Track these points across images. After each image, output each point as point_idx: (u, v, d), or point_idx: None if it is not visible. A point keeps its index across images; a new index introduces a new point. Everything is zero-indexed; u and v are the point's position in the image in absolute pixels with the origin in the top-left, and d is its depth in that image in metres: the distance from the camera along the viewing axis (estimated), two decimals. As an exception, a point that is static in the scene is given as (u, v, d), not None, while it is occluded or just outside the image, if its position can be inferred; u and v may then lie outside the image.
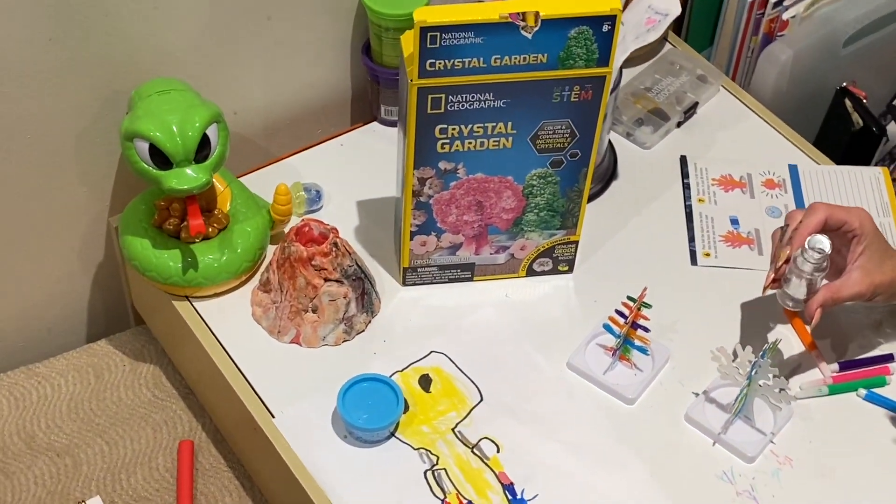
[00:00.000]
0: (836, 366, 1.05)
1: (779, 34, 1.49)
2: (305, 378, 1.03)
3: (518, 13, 0.89)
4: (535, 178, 1.05)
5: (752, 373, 0.97)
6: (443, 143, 1.00)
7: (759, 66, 1.50)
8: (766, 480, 0.97)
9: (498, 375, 1.02)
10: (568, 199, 1.07)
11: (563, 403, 1.00)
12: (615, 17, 0.91)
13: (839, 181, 1.23)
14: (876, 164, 1.53)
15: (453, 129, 0.98)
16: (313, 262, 1.04)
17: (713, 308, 1.12)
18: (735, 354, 0.99)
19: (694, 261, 1.16)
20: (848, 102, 1.51)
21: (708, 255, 1.16)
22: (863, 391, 1.05)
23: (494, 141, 1.01)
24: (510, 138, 1.01)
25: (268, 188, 1.15)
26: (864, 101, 1.54)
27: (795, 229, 0.98)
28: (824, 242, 0.95)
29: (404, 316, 1.08)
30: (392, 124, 1.26)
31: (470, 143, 1.01)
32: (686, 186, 1.23)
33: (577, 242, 1.13)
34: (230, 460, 1.11)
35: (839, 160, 1.35)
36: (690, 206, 1.21)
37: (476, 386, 1.03)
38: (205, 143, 1.01)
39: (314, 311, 1.07)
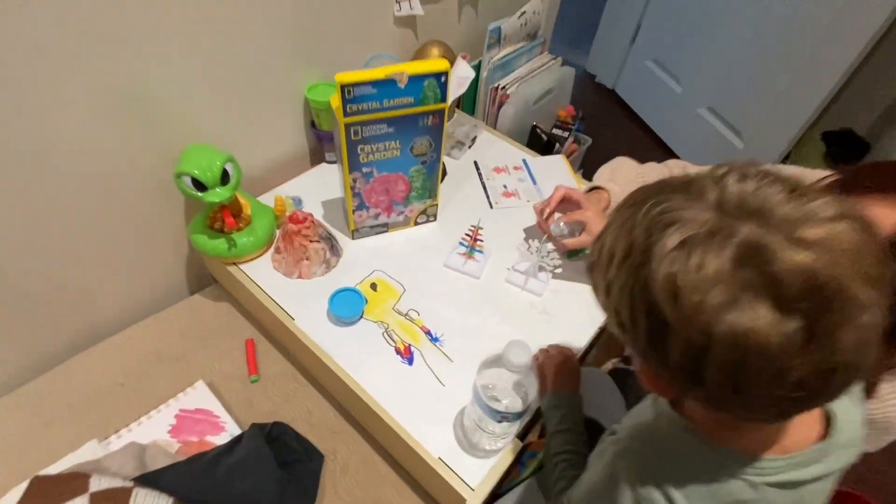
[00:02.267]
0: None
1: (505, 100, 1.45)
2: (309, 295, 0.92)
3: (396, 73, 0.81)
4: (414, 172, 0.96)
5: (539, 252, 0.93)
6: (362, 157, 0.90)
7: (500, 116, 1.45)
8: (550, 301, 0.93)
9: (411, 277, 0.94)
10: (431, 182, 0.99)
11: (446, 285, 0.94)
12: (447, 72, 0.83)
13: (546, 163, 1.20)
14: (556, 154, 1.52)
15: (366, 147, 0.88)
16: (301, 233, 0.93)
17: (506, 230, 1.05)
18: (528, 244, 0.95)
19: (491, 206, 1.09)
20: (538, 131, 1.51)
21: (497, 203, 1.10)
22: (578, 256, 0.98)
23: (390, 152, 0.91)
24: (398, 150, 0.91)
25: (270, 201, 1.03)
26: (540, 130, 1.54)
27: (548, 200, 0.93)
28: (564, 230, 0.92)
29: (356, 255, 0.98)
30: (334, 163, 1.15)
31: (376, 154, 0.91)
32: (480, 174, 1.17)
33: (437, 205, 1.04)
34: (278, 346, 0.99)
35: (541, 154, 1.32)
36: (484, 182, 1.15)
37: (400, 284, 0.95)
38: (225, 175, 0.87)
39: (307, 259, 0.95)
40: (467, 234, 1.00)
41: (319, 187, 1.10)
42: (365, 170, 0.93)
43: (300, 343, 0.89)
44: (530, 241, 0.96)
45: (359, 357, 0.85)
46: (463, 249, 1.01)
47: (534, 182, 1.15)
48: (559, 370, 0.78)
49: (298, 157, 1.16)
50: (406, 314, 0.91)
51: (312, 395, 0.93)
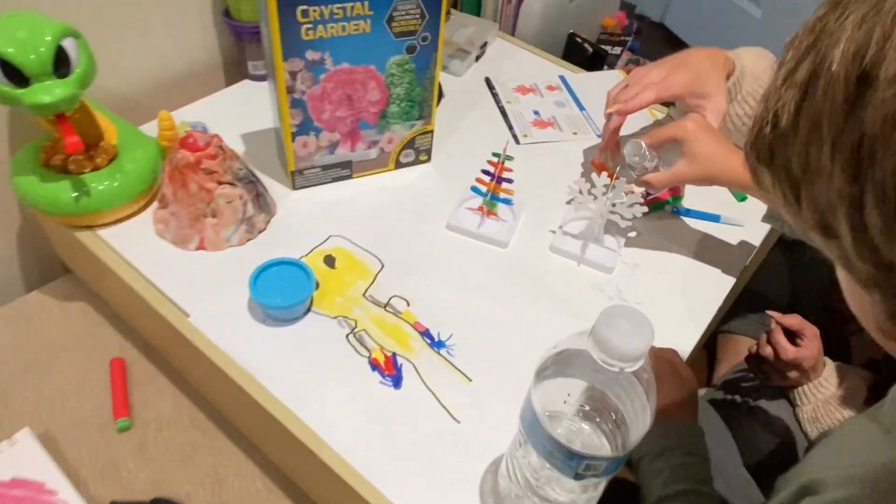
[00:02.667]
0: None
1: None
2: (216, 278, 0.65)
3: None
4: (394, 66, 0.67)
5: (606, 201, 0.69)
6: (307, 29, 0.60)
7: (521, 17, 1.22)
8: (626, 283, 0.71)
9: (392, 245, 0.70)
10: (423, 89, 0.71)
11: (450, 257, 0.70)
12: None
13: (594, 81, 1.01)
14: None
15: (314, 10, 0.59)
16: (202, 167, 0.62)
17: (541, 170, 0.84)
18: (585, 189, 0.70)
19: (517, 141, 0.86)
20: (577, 39, 1.30)
21: (526, 136, 0.87)
22: (671, 206, 0.79)
23: (354, 24, 0.62)
24: (368, 21, 0.62)
25: (155, 132, 0.73)
26: (581, 38, 1.32)
27: (629, 101, 0.71)
28: (646, 155, 0.69)
29: (300, 212, 0.73)
30: (260, 78, 0.89)
31: (332, 27, 0.61)
32: (495, 96, 0.94)
33: (432, 132, 0.77)
34: (164, 368, 0.70)
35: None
36: (503, 106, 0.91)
37: (375, 256, 0.68)
38: (63, 59, 0.56)
39: (213, 216, 0.64)
40: (486, 173, 0.74)
41: (240, 114, 0.84)
42: (311, 55, 0.64)
43: (201, 358, 0.60)
44: (589, 184, 0.72)
45: (306, 377, 0.58)
46: (478, 201, 0.75)
47: (580, 107, 0.95)
48: (673, 383, 0.57)
49: (206, 69, 0.90)
50: (387, 304, 0.64)
51: (224, 451, 0.64)
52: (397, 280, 0.67)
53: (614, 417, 0.45)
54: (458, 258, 0.71)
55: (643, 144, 0.69)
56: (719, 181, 0.66)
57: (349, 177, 0.76)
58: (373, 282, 0.66)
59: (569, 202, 0.77)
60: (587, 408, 0.45)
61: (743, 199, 0.83)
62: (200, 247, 0.66)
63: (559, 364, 0.45)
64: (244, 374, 0.57)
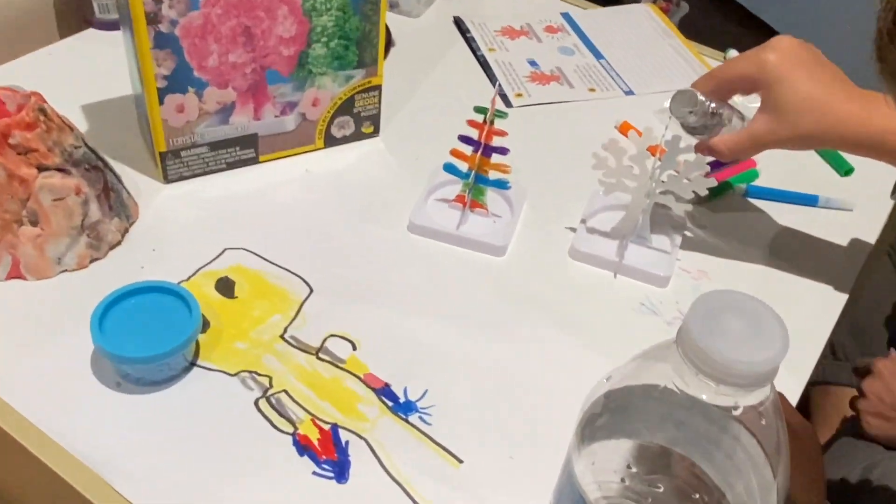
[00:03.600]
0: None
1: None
2: (40, 322, 0.57)
3: None
4: None
5: (653, 176, 0.66)
6: None
7: None
8: (692, 300, 0.65)
9: (325, 257, 0.66)
10: (364, 19, 0.66)
11: (417, 273, 0.66)
12: None
13: (614, 20, 1.02)
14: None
15: None
16: (12, 142, 0.52)
17: (547, 142, 0.83)
18: (617, 156, 0.65)
19: (508, 102, 0.84)
20: None
21: (521, 95, 0.85)
22: (742, 186, 0.77)
23: None
24: None
25: None
26: None
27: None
28: (708, 104, 0.66)
29: (177, 216, 0.68)
30: (110, 26, 0.86)
31: None
32: (471, 41, 0.93)
33: (379, 90, 0.72)
34: None
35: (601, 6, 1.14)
36: (483, 56, 0.91)
37: (299, 277, 0.63)
38: None
39: (33, 223, 0.55)
40: (465, 141, 0.69)
41: (81, 75, 0.82)
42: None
43: (10, 449, 0.51)
44: (624, 155, 0.67)
45: (190, 474, 0.48)
46: (456, 187, 0.70)
47: (596, 54, 0.96)
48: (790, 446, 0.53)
49: (30, 14, 0.85)
50: (320, 348, 0.58)
51: None
52: (335, 311, 0.61)
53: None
54: (430, 275, 0.65)
55: (698, 94, 0.64)
56: (824, 141, 0.62)
57: (254, 160, 0.71)
58: (296, 315, 0.59)
59: (600, 185, 0.70)
60: (662, 488, 0.40)
61: (849, 171, 0.80)
62: (14, 274, 0.56)
63: (614, 413, 0.41)
64: (84, 472, 0.48)
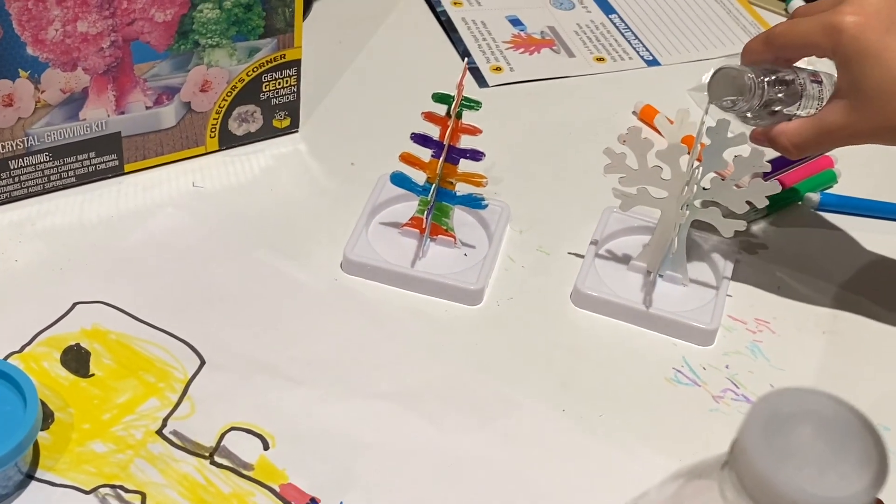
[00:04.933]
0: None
1: None
2: None
3: None
4: None
5: (695, 171, 0.70)
6: None
7: None
8: (748, 364, 0.71)
9: (222, 313, 0.70)
10: None
11: (357, 331, 0.70)
12: None
13: None
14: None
15: None
16: None
17: (535, 139, 0.88)
18: (649, 144, 0.69)
19: (483, 81, 0.89)
20: None
21: (499, 69, 0.91)
22: (814, 197, 0.80)
23: None
24: None
25: None
26: None
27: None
28: (760, 77, 0.71)
29: (3, 256, 0.72)
30: None
31: None
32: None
33: (298, 63, 0.78)
34: None
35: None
36: (444, 14, 0.97)
37: (185, 343, 0.67)
38: None
39: None
40: (421, 141, 0.72)
41: None
42: None
43: None
44: (645, 146, 0.71)
45: None
46: (410, 206, 0.78)
47: (605, 7, 1.03)
48: None
49: None
50: (216, 449, 0.63)
51: None
52: (237, 392, 0.66)
53: None
54: (374, 334, 0.72)
55: (747, 73, 0.70)
56: None
57: (117, 170, 0.77)
58: (180, 399, 0.64)
59: (615, 196, 0.74)
60: None
61: None
62: None
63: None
64: None
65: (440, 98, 0.71)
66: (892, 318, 0.77)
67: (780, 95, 0.70)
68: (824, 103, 0.72)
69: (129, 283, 0.73)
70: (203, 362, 0.68)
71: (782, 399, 0.39)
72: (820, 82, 0.75)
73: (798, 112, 0.73)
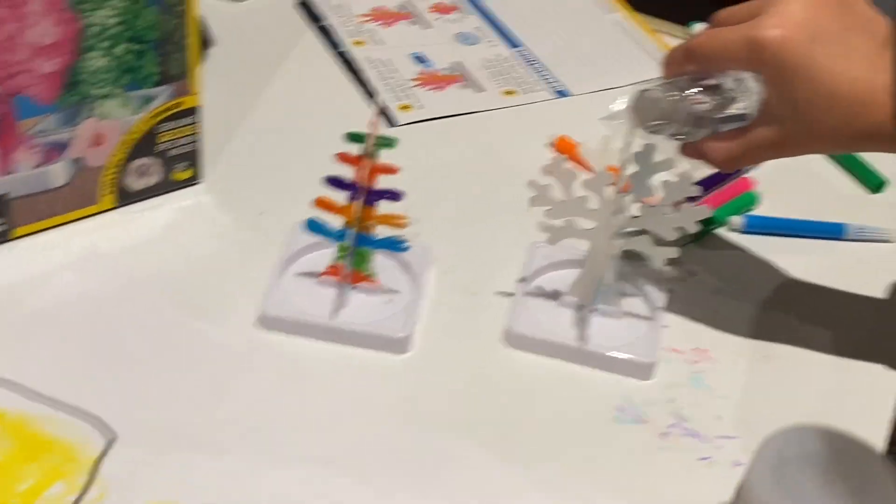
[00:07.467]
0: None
1: None
2: None
3: None
4: None
5: (619, 198, 0.69)
6: None
7: None
8: (692, 396, 0.71)
9: (131, 384, 0.68)
10: (164, 10, 0.70)
11: (278, 392, 0.68)
12: None
13: None
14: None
15: None
16: None
17: (453, 175, 0.89)
18: (573, 174, 0.69)
19: (391, 121, 0.88)
20: None
21: (407, 107, 0.91)
22: (737, 219, 0.80)
23: None
24: None
25: None
26: None
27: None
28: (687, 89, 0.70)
29: None
30: None
31: None
32: (326, 31, 0.99)
33: (197, 110, 0.75)
34: None
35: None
36: (346, 53, 0.97)
37: (93, 416, 0.64)
38: None
39: None
40: (335, 184, 0.70)
41: None
42: None
43: None
44: (570, 176, 0.70)
45: None
46: (325, 254, 0.75)
47: (510, 41, 1.05)
48: None
49: None
50: None
51: None
52: (153, 470, 0.62)
53: None
54: (297, 394, 0.70)
55: (673, 90, 0.68)
56: (865, 142, 0.65)
57: (5, 236, 0.73)
58: (90, 481, 0.60)
59: (542, 231, 0.73)
60: None
61: (880, 185, 0.86)
62: None
63: None
64: None
65: (354, 137, 0.69)
66: (825, 336, 0.74)
67: (706, 106, 0.70)
68: (754, 96, 0.72)
69: (28, 356, 0.70)
70: (114, 437, 0.63)
71: (788, 438, 0.38)
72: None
73: (732, 111, 0.72)
